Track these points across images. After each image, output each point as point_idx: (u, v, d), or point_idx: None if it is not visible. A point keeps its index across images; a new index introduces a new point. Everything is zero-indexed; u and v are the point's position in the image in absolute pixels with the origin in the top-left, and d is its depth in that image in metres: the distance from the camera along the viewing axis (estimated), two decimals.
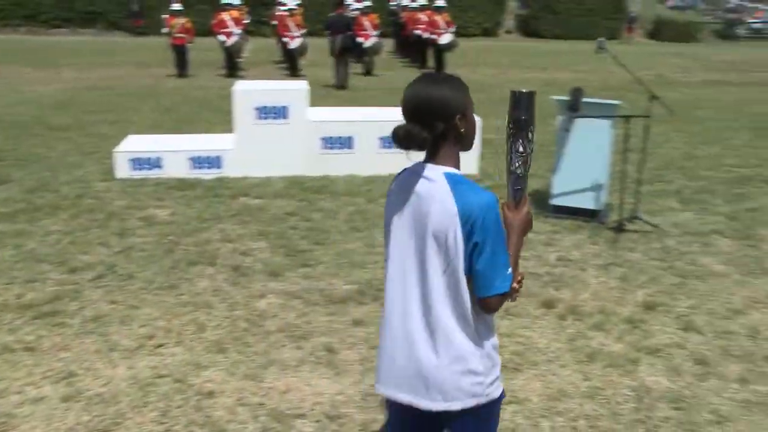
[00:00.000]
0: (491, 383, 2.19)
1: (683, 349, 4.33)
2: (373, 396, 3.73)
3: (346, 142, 8.26)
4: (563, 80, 17.93)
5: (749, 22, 49.01)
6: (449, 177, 2.08)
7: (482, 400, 2.17)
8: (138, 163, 7.91)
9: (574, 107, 6.24)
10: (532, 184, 7.94)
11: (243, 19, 18.52)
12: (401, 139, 2.03)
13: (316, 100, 11.65)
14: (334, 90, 15.29)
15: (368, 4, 18.95)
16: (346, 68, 15.87)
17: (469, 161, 8.36)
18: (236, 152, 8.08)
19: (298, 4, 18.98)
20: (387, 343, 2.23)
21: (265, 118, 8.07)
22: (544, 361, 4.11)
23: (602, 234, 6.37)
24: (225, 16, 17.45)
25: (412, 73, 19.09)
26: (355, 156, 8.25)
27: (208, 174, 7.98)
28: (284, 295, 4.96)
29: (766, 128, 12.14)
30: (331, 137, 8.23)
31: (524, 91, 2.26)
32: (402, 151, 2.07)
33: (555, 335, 4.45)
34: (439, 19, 19.03)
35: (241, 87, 8.31)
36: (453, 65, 19.89)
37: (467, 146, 2.17)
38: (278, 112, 8.09)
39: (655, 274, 5.52)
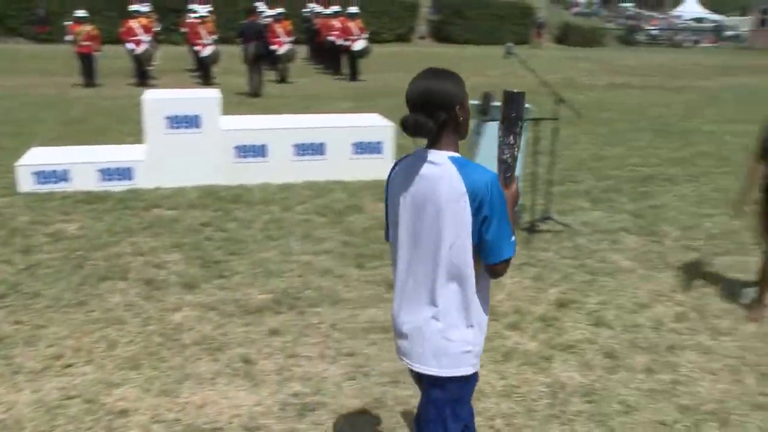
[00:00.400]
0: (477, 354, 2.45)
1: (594, 344, 4.48)
2: (291, 405, 3.70)
3: (259, 151, 8.17)
4: (475, 84, 18.27)
5: (647, 29, 51.31)
6: (454, 160, 2.32)
7: (470, 370, 2.43)
8: (43, 176, 7.60)
9: (484, 111, 6.36)
10: None
11: (152, 27, 18.10)
12: (410, 127, 2.29)
13: (230, 109, 11.49)
14: (248, 98, 15.12)
15: (281, 11, 18.84)
16: (260, 76, 15.72)
17: (383, 167, 8.39)
18: (148, 163, 7.88)
19: (209, 11, 18.70)
20: (396, 313, 2.49)
21: (177, 128, 7.90)
22: None
23: (517, 234, 6.50)
24: (133, 23, 17.01)
25: (327, 80, 19.09)
26: (270, 164, 8.18)
27: (118, 186, 7.75)
28: (200, 307, 4.86)
29: (666, 129, 12.71)
30: (244, 146, 8.13)
31: (515, 91, 2.54)
32: (409, 138, 2.34)
33: None
34: (353, 25, 19.11)
35: (151, 96, 8.11)
36: (368, 71, 20.00)
37: (464, 133, 2.42)
38: (190, 121, 7.94)
39: (567, 272, 5.68)
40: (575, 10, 53.63)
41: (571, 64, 27.47)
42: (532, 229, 6.54)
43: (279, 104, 14.02)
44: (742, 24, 51.96)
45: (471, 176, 2.27)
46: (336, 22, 19.90)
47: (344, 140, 8.37)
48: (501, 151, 2.57)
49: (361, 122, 8.81)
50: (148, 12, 18.54)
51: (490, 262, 2.33)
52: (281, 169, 8.17)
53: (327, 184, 8.12)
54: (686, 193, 8.12)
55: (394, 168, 2.50)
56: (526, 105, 6.71)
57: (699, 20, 57.25)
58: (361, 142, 8.40)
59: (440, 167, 2.31)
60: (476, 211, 2.27)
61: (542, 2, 47.71)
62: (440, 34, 39.40)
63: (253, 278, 5.39)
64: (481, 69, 23.20)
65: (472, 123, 6.76)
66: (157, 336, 4.44)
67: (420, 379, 2.53)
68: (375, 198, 7.63)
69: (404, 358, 2.49)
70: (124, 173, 7.81)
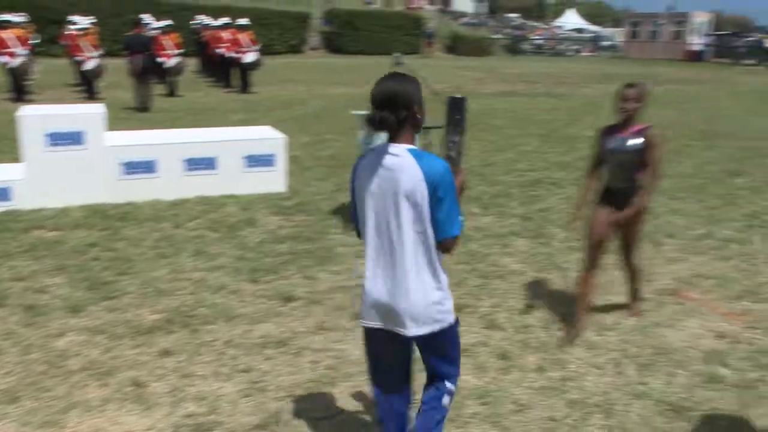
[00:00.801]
0: (448, 310, 2.88)
1: (487, 346, 4.59)
2: (185, 427, 3.60)
3: (148, 167, 7.93)
4: (367, 94, 18.43)
5: (532, 39, 53.33)
6: (412, 152, 2.70)
7: (444, 325, 2.87)
8: None
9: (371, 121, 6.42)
10: (340, 199, 8.09)
11: (29, 39, 17.26)
12: (377, 122, 2.67)
13: (117, 124, 11.13)
14: (137, 112, 14.67)
15: (168, 23, 18.39)
16: (148, 89, 15.28)
17: (276, 179, 8.36)
18: (27, 182, 7.49)
19: (92, 23, 18.02)
20: (370, 287, 2.87)
21: (58, 145, 7.56)
22: (358, 373, 4.17)
23: None
24: (5, 34, 16.15)
25: (218, 93, 18.77)
26: (159, 180, 7.96)
27: None
28: (86, 332, 4.66)
29: (552, 135, 13.22)
30: (132, 162, 7.88)
31: (458, 96, 3.03)
32: (374, 132, 2.86)
33: None
34: (243, 37, 18.88)
35: (28, 112, 7.73)
36: (260, 83, 19.82)
37: (419, 130, 2.79)
38: (72, 138, 7.61)
39: (460, 277, 5.80)
40: (464, 20, 55.04)
41: (461, 72, 28.18)
42: None
43: (168, 118, 13.68)
44: (616, 35, 54.81)
45: (428, 164, 2.66)
46: (226, 34, 19.62)
47: (236, 154, 8.25)
48: (448, 148, 3.01)
49: (253, 135, 8.71)
50: (24, 22, 17.66)
51: (440, 238, 2.74)
52: (172, 184, 7.96)
53: (219, 198, 7.98)
54: (571, 196, 8.47)
55: (359, 163, 2.87)
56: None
57: (579, 31, 60.00)
58: (252, 155, 8.30)
59: (401, 158, 2.69)
60: (432, 193, 2.66)
61: (432, 13, 48.78)
62: (332, 45, 39.56)
63: (144, 298, 5.22)
64: (373, 79, 23.36)
65: (360, 133, 6.83)
66: (40, 364, 4.22)
67: (404, 341, 2.93)
68: (269, 211, 7.56)
69: (394, 327, 2.87)
70: (1, 194, 7.40)
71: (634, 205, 4.58)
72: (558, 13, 72.45)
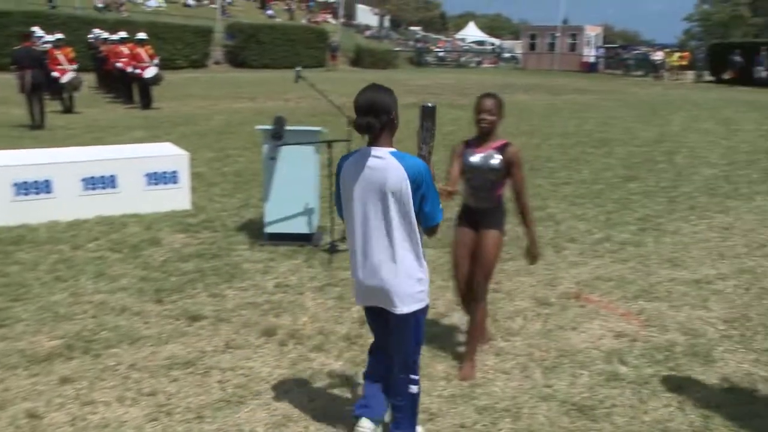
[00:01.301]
0: (427, 292, 3.32)
1: None
2: None
3: (43, 187, 7.59)
4: (273, 109, 18.30)
5: (435, 51, 54.38)
6: (393, 154, 3.14)
7: (422, 305, 3.30)
8: None
9: (277, 135, 6.38)
10: (246, 215, 8.00)
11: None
12: (364, 127, 3.10)
13: (9, 142, 10.66)
14: (30, 130, 14.04)
15: (60, 36, 17.71)
16: (41, 106, 14.63)
17: (180, 197, 8.17)
18: None
19: None
20: (359, 273, 3.30)
21: None
22: (267, 390, 4.12)
23: (317, 256, 6.59)
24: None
25: (118, 110, 18.21)
26: (56, 200, 7.62)
27: None
28: None
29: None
30: (25, 182, 7.51)
31: (430, 104, 3.45)
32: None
33: (277, 362, 4.49)
34: (142, 51, 18.42)
35: None
36: (162, 99, 19.36)
37: (394, 133, 3.23)
38: None
39: None
40: (368, 33, 55.52)
41: (365, 85, 28.34)
42: (332, 249, 6.64)
43: (65, 136, 13.15)
44: (516, 47, 56.60)
45: (409, 164, 3.10)
46: (124, 49, 19.07)
47: (137, 171, 8.01)
48: (420, 149, 3.43)
49: (154, 152, 8.49)
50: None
51: (428, 225, 3.21)
52: (69, 205, 7.64)
53: (121, 217, 7.73)
54: None
55: (342, 163, 3.28)
56: (320, 128, 6.87)
57: (480, 43, 61.62)
58: (155, 173, 8.08)
59: (384, 160, 3.12)
60: (415, 189, 3.10)
61: (336, 26, 48.99)
62: (236, 59, 39.10)
63: (40, 324, 4.99)
64: (278, 93, 23.30)
65: (265, 148, 6.79)
66: None
67: (387, 319, 3.33)
68: (173, 229, 7.38)
69: (378, 305, 3.31)
70: None
71: (494, 239, 4.27)
72: (460, 26, 74.15)
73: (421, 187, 3.11)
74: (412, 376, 3.44)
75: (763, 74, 33.07)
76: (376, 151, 3.15)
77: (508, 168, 4.23)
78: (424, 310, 3.34)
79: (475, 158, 4.26)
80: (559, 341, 4.90)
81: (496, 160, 4.21)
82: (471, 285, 4.37)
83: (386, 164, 3.10)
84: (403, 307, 3.23)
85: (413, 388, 3.44)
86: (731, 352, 4.79)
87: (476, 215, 4.36)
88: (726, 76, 34.95)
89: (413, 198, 3.12)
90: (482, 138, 4.28)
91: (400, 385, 3.44)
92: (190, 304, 5.40)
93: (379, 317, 3.41)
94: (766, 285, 6.12)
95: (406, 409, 3.46)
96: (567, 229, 7.73)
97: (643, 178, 10.61)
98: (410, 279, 3.21)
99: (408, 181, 3.08)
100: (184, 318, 5.13)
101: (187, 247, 6.84)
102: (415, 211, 3.15)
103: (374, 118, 3.09)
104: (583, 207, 8.76)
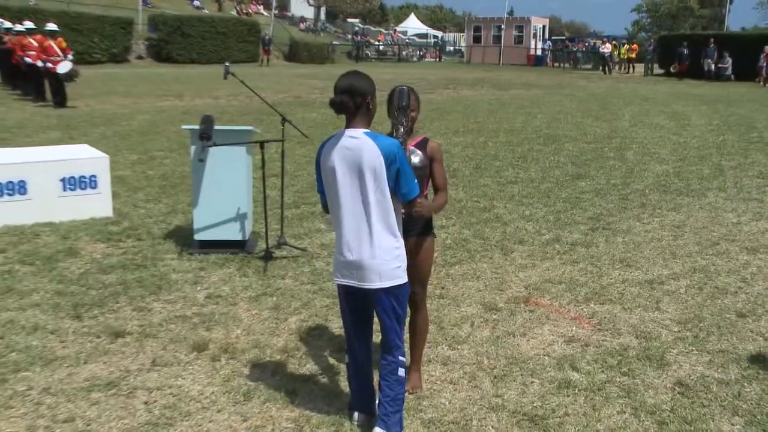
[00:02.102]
0: (404, 269, 3.66)
1: (338, 371, 4.60)
2: None
3: None
4: (201, 107, 18.10)
5: (375, 44, 54.56)
6: (368, 134, 3.52)
7: (400, 281, 3.63)
8: None
9: (206, 136, 6.31)
10: (174, 221, 7.88)
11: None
12: (337, 104, 3.50)
13: None
14: None
15: (31, 26, 17.11)
16: None
17: (100, 203, 7.99)
18: None
19: None
20: (341, 248, 3.62)
21: None
22: (198, 410, 4.06)
23: (251, 264, 6.53)
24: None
25: (28, 108, 17.69)
26: None
27: None
28: None
29: None
30: None
31: (404, 87, 3.91)
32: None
33: (209, 379, 4.43)
34: (53, 44, 17.94)
35: None
36: (78, 97, 18.93)
37: (371, 118, 3.63)
38: None
39: (307, 298, 5.80)
40: (303, 26, 55.36)
41: (302, 81, 28.31)
42: (267, 256, 6.59)
43: None
44: (460, 40, 57.26)
45: (383, 143, 3.46)
46: (32, 41, 18.55)
47: (51, 176, 7.79)
48: (396, 131, 3.83)
49: (71, 155, 8.27)
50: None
51: (407, 199, 3.57)
52: None
53: (32, 227, 7.51)
54: None
55: (322, 147, 3.63)
56: (252, 128, 6.83)
57: (422, 36, 62.13)
58: (71, 177, 7.88)
59: (359, 140, 3.48)
60: (389, 166, 3.46)
61: (269, 18, 48.69)
62: (160, 53, 38.54)
63: None
64: (206, 90, 23.04)
65: (193, 149, 6.71)
66: None
67: (367, 296, 3.65)
68: (93, 239, 7.22)
69: (359, 283, 3.60)
70: None
71: (427, 246, 4.22)
72: (400, 18, 74.62)
73: (394, 163, 3.46)
74: (400, 358, 3.73)
75: (712, 67, 34.24)
76: (350, 131, 3.52)
77: (430, 165, 4.16)
78: (402, 287, 3.65)
79: (416, 156, 4.14)
80: (509, 348, 4.96)
81: (419, 157, 4.09)
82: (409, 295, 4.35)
83: (361, 143, 3.47)
84: (381, 283, 3.56)
85: (401, 372, 3.72)
86: (685, 354, 4.93)
87: (403, 222, 4.03)
88: (674, 69, 36.06)
89: (387, 175, 3.47)
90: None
91: (387, 370, 3.71)
92: (112, 320, 5.29)
93: (355, 299, 3.71)
94: (718, 284, 6.31)
95: (394, 402, 3.71)
96: (515, 231, 7.84)
97: (593, 176, 10.85)
98: (387, 255, 3.55)
99: (382, 158, 3.43)
100: (106, 335, 5.02)
101: (108, 257, 6.70)
102: (391, 189, 3.51)
103: (349, 98, 3.47)
104: (532, 207, 8.91)
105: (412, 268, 4.08)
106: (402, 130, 3.85)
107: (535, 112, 19.27)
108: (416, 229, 4.13)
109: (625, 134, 15.28)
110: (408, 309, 4.17)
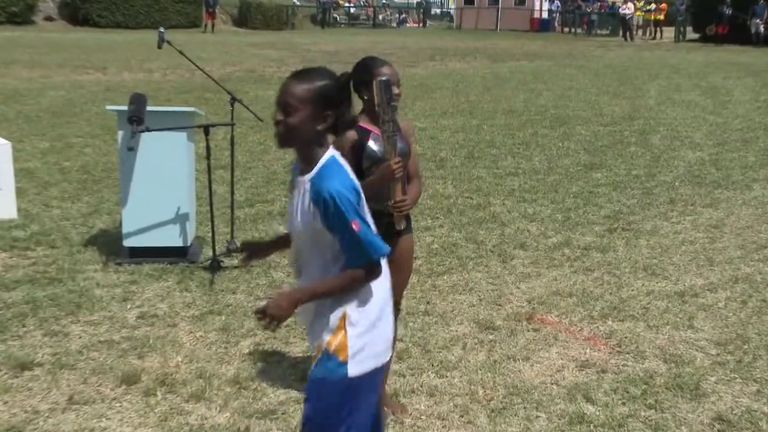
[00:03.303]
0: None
1: (300, 403, 4.62)
2: None
3: None
4: (131, 83, 18.02)
5: (345, 6, 54.54)
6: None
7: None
8: None
9: (136, 119, 6.28)
10: (97, 224, 7.86)
11: None
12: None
13: None
14: None
15: None
16: None
17: (3, 203, 7.93)
18: None
19: None
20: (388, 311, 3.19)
21: None
22: None
23: (195, 276, 6.53)
24: None
25: None
26: None
27: None
28: None
29: None
30: None
31: (385, 78, 3.87)
32: None
33: (141, 418, 4.44)
34: None
35: None
36: None
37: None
38: None
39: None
40: None
41: (255, 51, 28.26)
42: (214, 266, 6.59)
43: None
44: (448, 1, 57.43)
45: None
46: None
47: None
48: (383, 130, 3.85)
49: None
50: None
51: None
52: None
53: None
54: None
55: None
56: (194, 109, 6.83)
57: None
58: None
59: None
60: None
61: None
62: (76, 15, 38.28)
63: None
64: (137, 62, 22.94)
65: (120, 135, 6.69)
66: None
67: None
68: None
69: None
70: None
71: (411, 246, 4.41)
72: None
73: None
74: None
75: (761, 29, 34.13)
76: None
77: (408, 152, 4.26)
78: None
79: (381, 145, 4.07)
80: (509, 375, 5.00)
81: (404, 144, 4.16)
82: None
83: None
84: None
85: None
86: (726, 382, 4.97)
87: (381, 220, 3.89)
88: (711, 31, 35.88)
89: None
90: (375, 117, 4.03)
91: None
92: (16, 348, 5.27)
93: None
94: (767, 297, 6.39)
95: None
96: (515, 233, 7.90)
97: (610, 166, 10.94)
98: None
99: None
100: (8, 367, 5.00)
101: (12, 270, 6.67)
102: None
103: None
104: (536, 204, 8.98)
105: (394, 275, 4.11)
106: (389, 127, 3.83)
107: (540, 88, 19.39)
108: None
109: (650, 114, 15.43)
110: None
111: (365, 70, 4.08)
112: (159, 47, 6.71)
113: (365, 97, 4.09)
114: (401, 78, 4.31)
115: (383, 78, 3.86)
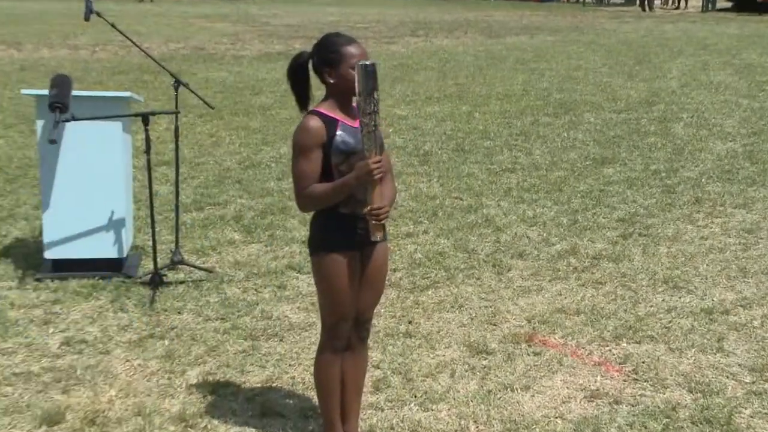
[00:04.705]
0: None
1: None
2: None
3: None
4: (53, 62, 17.92)
5: None
6: None
7: None
8: None
9: (59, 106, 6.26)
10: (12, 232, 7.84)
11: None
12: None
13: None
14: None
15: None
16: None
17: None
18: None
19: None
20: None
21: None
22: None
23: (132, 294, 6.52)
24: None
25: None
26: None
27: None
28: None
29: None
30: None
31: (369, 63, 3.89)
32: None
33: None
34: None
35: None
36: None
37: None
38: None
39: (214, 340, 5.80)
40: None
41: (203, 24, 28.18)
42: (155, 281, 6.58)
43: None
44: None
45: None
46: None
47: None
48: (362, 123, 3.91)
49: None
50: None
51: None
52: None
53: None
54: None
55: None
56: (130, 94, 6.83)
57: None
58: None
59: None
60: None
61: None
62: None
63: None
64: (59, 36, 22.82)
65: (40, 125, 6.67)
66: None
67: None
68: None
69: None
70: None
71: (386, 255, 4.43)
72: None
73: None
74: None
75: None
76: None
77: None
78: None
79: (356, 137, 4.11)
80: (505, 407, 5.02)
81: (365, 137, 4.06)
82: (359, 322, 4.44)
83: None
84: None
85: None
86: (763, 416, 5.00)
87: (356, 225, 4.16)
88: None
89: None
90: (348, 105, 4.19)
91: None
92: None
93: None
94: None
95: None
96: (513, 239, 7.93)
97: (625, 160, 11.00)
98: None
99: None
100: None
101: None
102: None
103: None
104: (537, 205, 9.02)
105: (369, 286, 4.29)
106: (371, 121, 3.88)
107: (542, 68, 19.46)
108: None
109: (672, 99, 15.51)
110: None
111: (329, 48, 4.14)
112: (86, 19, 6.69)
113: (331, 81, 4.11)
114: (376, 58, 4.33)
115: (368, 62, 3.86)
